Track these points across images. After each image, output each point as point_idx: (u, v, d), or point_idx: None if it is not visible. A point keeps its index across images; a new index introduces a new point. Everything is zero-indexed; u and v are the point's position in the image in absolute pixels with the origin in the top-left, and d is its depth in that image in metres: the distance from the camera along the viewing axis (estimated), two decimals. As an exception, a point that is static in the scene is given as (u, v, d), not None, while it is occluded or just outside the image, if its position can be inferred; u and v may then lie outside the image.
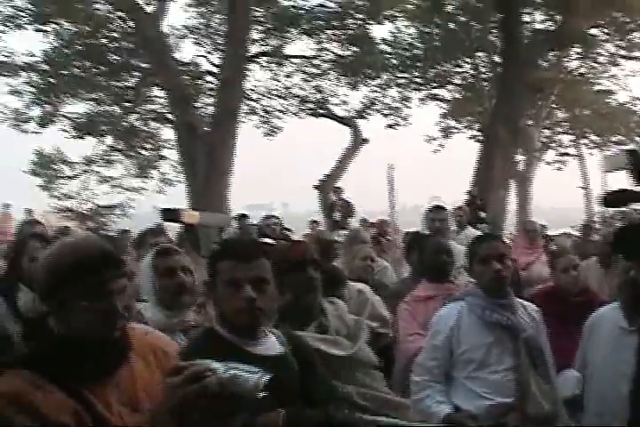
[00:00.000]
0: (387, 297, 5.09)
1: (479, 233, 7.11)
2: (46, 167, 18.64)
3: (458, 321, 3.57)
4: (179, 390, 1.65)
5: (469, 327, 3.54)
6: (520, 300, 3.73)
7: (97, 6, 17.02)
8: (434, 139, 23.57)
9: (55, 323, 1.90)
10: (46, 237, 5.12)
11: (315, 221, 15.80)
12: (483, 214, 12.57)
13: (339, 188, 15.90)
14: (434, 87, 21.24)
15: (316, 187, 18.81)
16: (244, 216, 11.63)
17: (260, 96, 20.21)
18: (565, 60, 20.54)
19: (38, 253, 4.01)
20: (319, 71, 19.64)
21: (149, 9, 17.13)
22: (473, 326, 3.54)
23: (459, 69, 21.03)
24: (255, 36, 18.32)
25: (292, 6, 18.64)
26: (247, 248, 2.49)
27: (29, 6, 16.40)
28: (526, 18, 17.12)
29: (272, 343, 2.49)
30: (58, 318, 1.89)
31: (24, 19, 16.68)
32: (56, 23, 17.15)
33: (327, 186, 18.26)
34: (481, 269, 3.57)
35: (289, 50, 19.49)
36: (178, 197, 18.49)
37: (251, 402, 1.68)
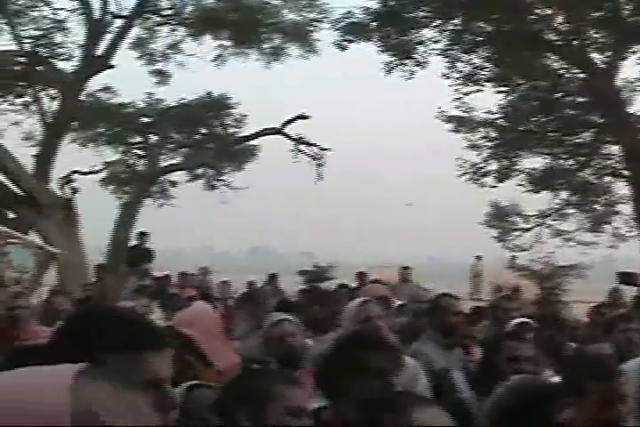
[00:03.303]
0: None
1: None
2: (501, 219, 19.41)
3: None
4: None
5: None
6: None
7: (551, 62, 17.37)
8: None
9: None
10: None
11: None
12: None
13: None
14: None
15: None
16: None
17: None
18: None
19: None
20: None
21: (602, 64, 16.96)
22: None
23: None
24: None
25: None
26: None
27: (486, 65, 17.35)
28: None
29: None
30: None
31: (482, 76, 17.60)
32: (511, 80, 17.88)
33: None
34: None
35: None
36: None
37: None
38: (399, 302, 7.62)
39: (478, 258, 24.17)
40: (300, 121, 19.02)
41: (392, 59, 17.58)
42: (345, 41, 17.63)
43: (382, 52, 17.52)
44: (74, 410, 0.96)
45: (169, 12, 19.42)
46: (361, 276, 13.64)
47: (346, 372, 3.04)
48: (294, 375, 3.14)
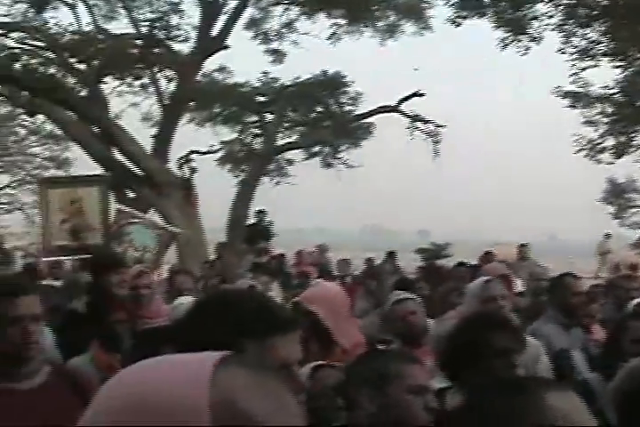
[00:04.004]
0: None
1: None
2: (618, 196, 18.75)
3: None
4: None
5: None
6: None
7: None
8: None
9: None
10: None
11: None
12: None
13: None
14: None
15: None
16: None
17: None
18: None
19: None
20: None
21: None
22: None
23: None
24: None
25: None
26: None
27: (602, 39, 16.71)
28: None
29: None
30: None
31: (598, 51, 17.00)
32: (628, 54, 17.14)
33: None
34: None
35: None
36: None
37: None
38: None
39: (607, 236, 23.41)
40: (415, 98, 18.82)
41: (507, 34, 17.26)
42: (459, 17, 17.32)
43: (496, 27, 17.22)
44: (213, 399, 0.90)
45: (283, -9, 19.46)
46: (486, 255, 13.33)
47: (470, 352, 3.01)
48: (415, 354, 3.11)
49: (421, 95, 18.62)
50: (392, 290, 5.98)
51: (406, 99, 18.76)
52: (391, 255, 15.57)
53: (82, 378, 3.19)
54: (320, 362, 3.29)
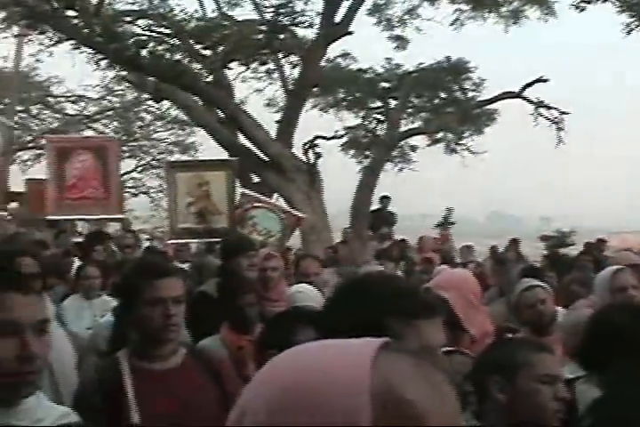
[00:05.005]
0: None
1: None
2: None
3: None
4: None
5: None
6: None
7: None
8: None
9: None
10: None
11: None
12: None
13: None
14: None
15: None
16: None
17: None
18: None
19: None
20: None
21: None
22: None
23: None
24: None
25: None
26: None
27: None
28: None
29: None
30: None
31: None
32: None
33: None
34: None
35: None
36: None
37: None
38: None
39: None
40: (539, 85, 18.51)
41: (631, 19, 16.62)
42: (583, 1, 16.74)
43: (620, 12, 16.62)
44: (373, 383, 0.88)
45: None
46: (599, 242, 12.87)
47: (604, 343, 2.92)
48: (545, 343, 3.04)
49: (545, 81, 18.30)
50: (518, 278, 5.83)
51: (530, 84, 18.46)
52: (514, 242, 15.28)
53: (215, 360, 3.21)
54: (450, 348, 3.23)
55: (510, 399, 2.50)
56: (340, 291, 1.97)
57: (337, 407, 0.86)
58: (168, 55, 15.43)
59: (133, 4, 16.41)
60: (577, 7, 16.85)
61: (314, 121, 20.89)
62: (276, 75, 19.59)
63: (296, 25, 16.94)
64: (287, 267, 7.17)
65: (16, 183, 11.69)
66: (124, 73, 17.86)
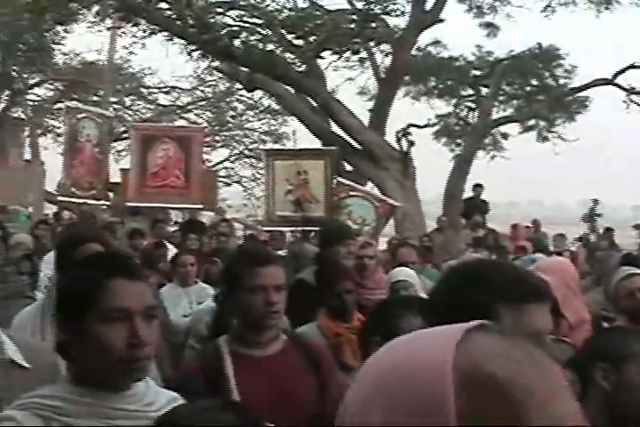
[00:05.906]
0: None
1: None
2: None
3: None
4: None
5: None
6: None
7: None
8: None
9: None
10: None
11: None
12: None
13: None
14: None
15: None
16: None
17: None
18: None
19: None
20: None
21: None
22: None
23: None
24: None
25: None
26: None
27: None
28: None
29: None
30: None
31: None
32: None
33: None
34: None
35: None
36: None
37: None
38: None
39: None
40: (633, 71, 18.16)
41: None
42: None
43: None
44: (458, 362, 0.86)
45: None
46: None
47: None
48: None
49: (638, 67, 17.80)
50: (617, 266, 5.66)
51: (622, 72, 18.11)
52: (608, 231, 14.95)
53: (315, 347, 3.22)
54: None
55: (615, 389, 2.42)
56: (453, 273, 1.95)
57: (423, 381, 0.85)
58: (260, 45, 15.54)
59: (225, -5, 16.58)
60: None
61: (406, 109, 20.82)
62: (367, 63, 19.53)
63: (387, 13, 16.85)
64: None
65: (111, 173, 12.01)
66: (216, 63, 18.06)
